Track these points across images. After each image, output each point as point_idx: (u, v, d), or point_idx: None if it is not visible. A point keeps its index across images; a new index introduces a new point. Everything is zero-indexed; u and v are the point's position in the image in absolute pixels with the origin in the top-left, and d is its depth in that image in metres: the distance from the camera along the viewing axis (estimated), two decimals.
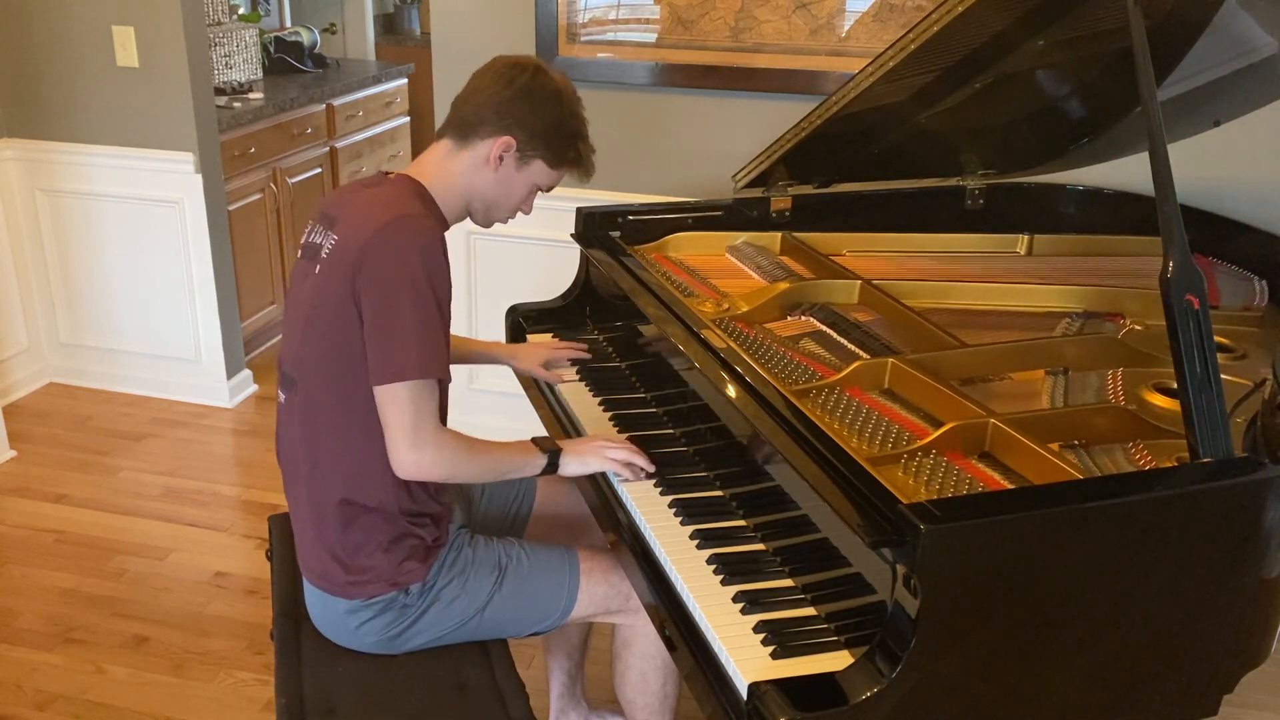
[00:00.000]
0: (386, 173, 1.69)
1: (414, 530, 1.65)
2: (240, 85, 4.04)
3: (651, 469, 1.71)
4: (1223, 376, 1.34)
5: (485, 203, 1.70)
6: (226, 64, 3.99)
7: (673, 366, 1.86)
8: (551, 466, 1.70)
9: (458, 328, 3.13)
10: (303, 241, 1.68)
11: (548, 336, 2.25)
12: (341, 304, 1.55)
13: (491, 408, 3.10)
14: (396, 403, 1.53)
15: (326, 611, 1.69)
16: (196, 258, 3.49)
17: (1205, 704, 1.40)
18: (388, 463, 1.60)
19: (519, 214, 1.76)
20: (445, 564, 1.68)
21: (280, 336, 1.77)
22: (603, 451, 1.71)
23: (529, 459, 1.69)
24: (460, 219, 1.72)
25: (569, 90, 1.68)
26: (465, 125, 1.65)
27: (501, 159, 1.65)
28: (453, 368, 1.64)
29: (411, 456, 1.55)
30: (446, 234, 1.66)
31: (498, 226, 1.78)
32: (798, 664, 1.30)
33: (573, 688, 2.14)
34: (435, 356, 1.54)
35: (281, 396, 1.69)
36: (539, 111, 1.64)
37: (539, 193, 1.74)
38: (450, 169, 1.67)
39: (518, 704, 1.60)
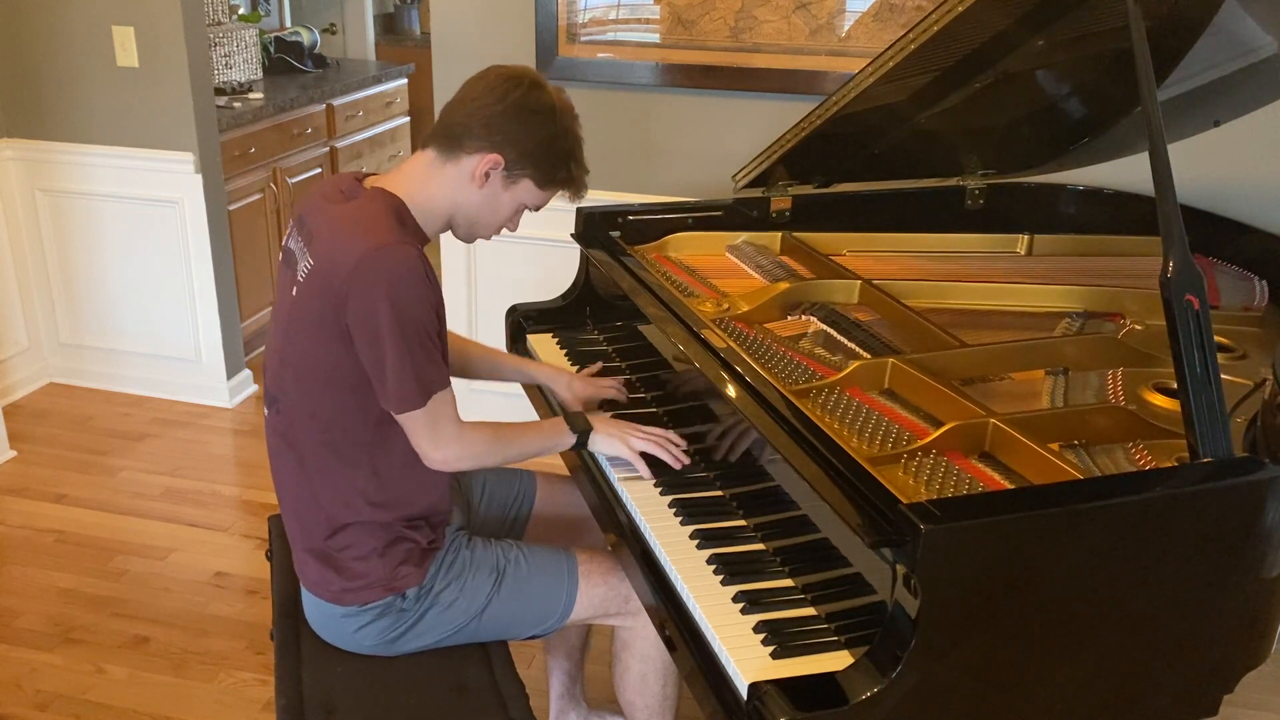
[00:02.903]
0: (361, 178, 1.63)
1: (408, 534, 1.65)
2: (240, 85, 4.04)
3: (678, 465, 1.71)
4: (1223, 376, 1.34)
5: (468, 220, 1.65)
6: (226, 64, 3.99)
7: (674, 369, 1.86)
8: (580, 444, 1.72)
9: (456, 329, 3.13)
10: (283, 245, 1.67)
11: (548, 337, 2.25)
12: (319, 330, 1.53)
13: (492, 407, 3.10)
14: (414, 421, 1.56)
15: (323, 616, 1.69)
16: (196, 258, 3.49)
17: (1205, 704, 1.40)
18: (371, 478, 1.61)
19: (504, 230, 1.71)
20: (442, 567, 1.68)
21: None
22: (628, 440, 1.71)
23: (558, 438, 1.72)
24: (441, 232, 1.66)
25: (564, 107, 1.61)
26: (452, 137, 1.58)
27: (488, 176, 1.59)
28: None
29: (437, 455, 1.58)
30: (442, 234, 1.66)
31: None
32: (798, 664, 1.30)
33: (573, 688, 2.14)
34: (435, 374, 1.54)
35: (266, 412, 1.69)
36: (530, 129, 1.57)
37: (527, 211, 1.69)
38: (433, 183, 1.60)
39: (517, 704, 1.60)
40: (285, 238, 1.66)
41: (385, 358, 1.50)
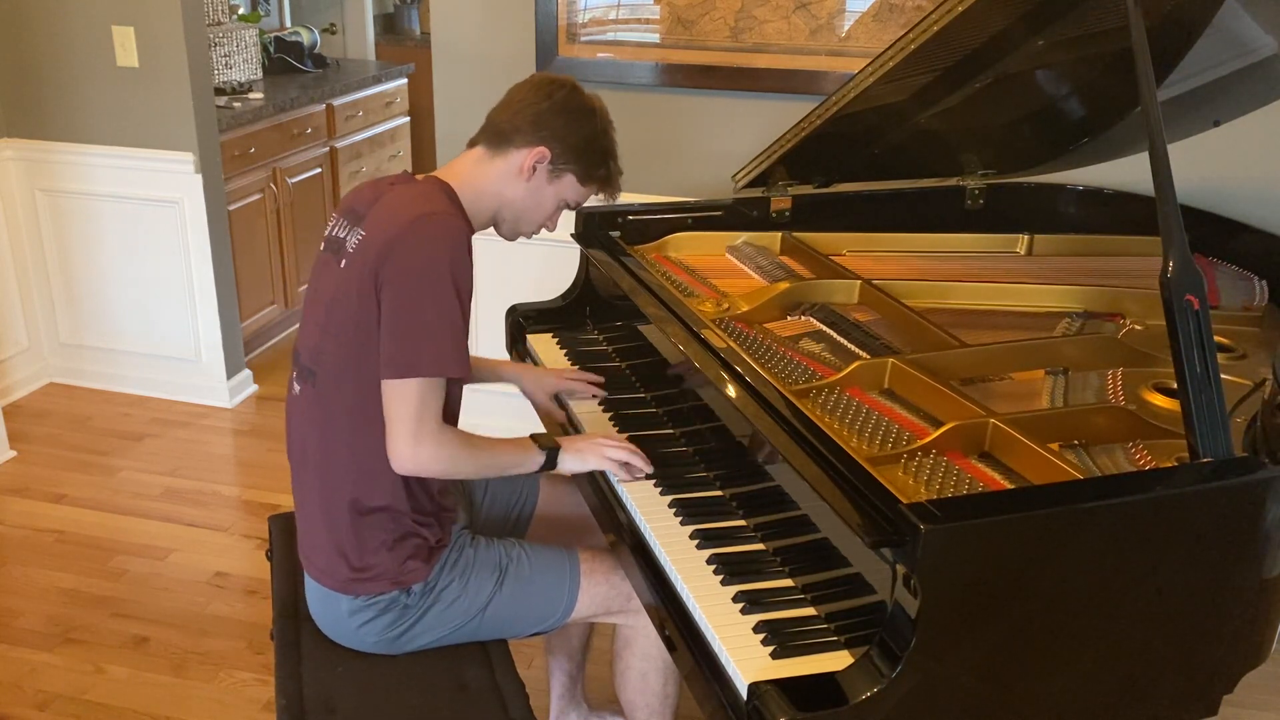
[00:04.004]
0: (413, 174, 1.69)
1: (419, 530, 1.65)
2: (240, 85, 4.04)
3: (649, 469, 1.71)
4: (1223, 376, 1.34)
5: (514, 213, 1.72)
6: (226, 64, 3.99)
7: (673, 367, 1.86)
8: (550, 464, 1.70)
9: None
10: (326, 234, 1.69)
11: (548, 337, 2.25)
12: (363, 298, 1.55)
13: (492, 408, 3.10)
14: (404, 397, 1.54)
15: (328, 609, 1.69)
16: (196, 258, 3.49)
17: (1205, 704, 1.40)
18: None
19: (543, 230, 1.77)
20: (447, 564, 1.68)
21: (296, 327, 1.77)
22: (602, 450, 1.71)
23: (527, 456, 1.69)
24: (485, 227, 1.72)
25: (603, 110, 1.73)
26: (500, 134, 1.67)
27: (534, 169, 1.67)
28: None
29: (409, 451, 1.55)
30: None
31: None
32: (798, 664, 1.30)
33: (573, 688, 2.14)
34: (454, 353, 1.55)
35: (296, 388, 1.69)
36: (574, 126, 1.67)
37: (565, 209, 1.76)
38: (482, 176, 1.68)
39: (518, 704, 1.60)
40: (329, 229, 1.69)
41: (414, 315, 1.51)
